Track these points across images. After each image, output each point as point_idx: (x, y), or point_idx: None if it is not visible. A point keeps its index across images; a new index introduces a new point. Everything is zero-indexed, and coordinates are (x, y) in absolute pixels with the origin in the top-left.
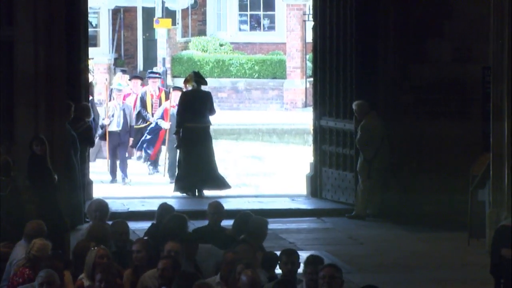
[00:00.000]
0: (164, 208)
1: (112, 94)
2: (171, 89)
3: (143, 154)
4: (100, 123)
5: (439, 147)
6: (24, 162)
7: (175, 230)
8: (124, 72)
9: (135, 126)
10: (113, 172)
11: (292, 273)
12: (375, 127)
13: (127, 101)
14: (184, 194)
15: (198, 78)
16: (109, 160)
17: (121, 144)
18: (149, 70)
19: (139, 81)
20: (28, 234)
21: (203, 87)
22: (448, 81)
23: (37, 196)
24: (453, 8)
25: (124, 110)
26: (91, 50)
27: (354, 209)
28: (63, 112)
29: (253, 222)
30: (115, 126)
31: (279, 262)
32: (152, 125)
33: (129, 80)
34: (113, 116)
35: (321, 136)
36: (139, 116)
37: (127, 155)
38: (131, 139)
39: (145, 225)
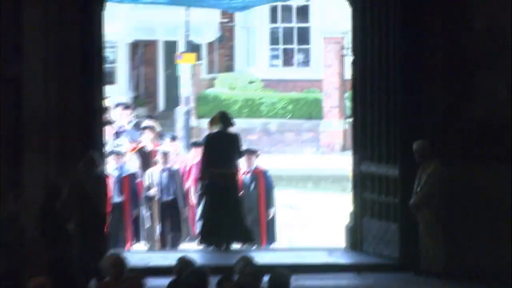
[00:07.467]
0: (184, 261)
1: (155, 158)
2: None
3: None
4: (144, 194)
5: (491, 194)
6: (33, 211)
7: (196, 285)
8: (173, 139)
9: None
10: None
11: None
12: (443, 174)
13: (175, 166)
14: (210, 247)
15: (224, 119)
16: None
17: (173, 217)
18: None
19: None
20: None
21: (231, 129)
22: (503, 120)
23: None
24: (508, 39)
25: (172, 176)
26: (108, 88)
27: (435, 266)
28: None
29: (276, 274)
30: (164, 196)
31: None
32: None
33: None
34: (159, 184)
35: (361, 182)
36: None
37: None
38: (186, 210)
39: (167, 281)
